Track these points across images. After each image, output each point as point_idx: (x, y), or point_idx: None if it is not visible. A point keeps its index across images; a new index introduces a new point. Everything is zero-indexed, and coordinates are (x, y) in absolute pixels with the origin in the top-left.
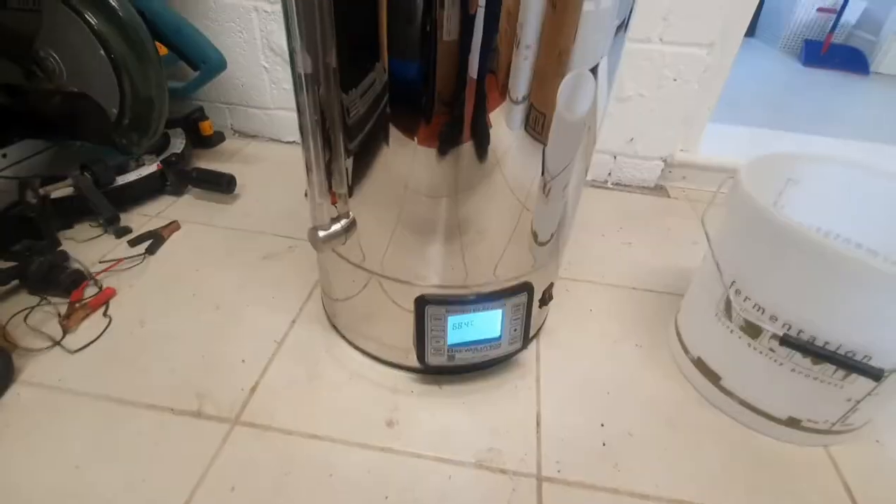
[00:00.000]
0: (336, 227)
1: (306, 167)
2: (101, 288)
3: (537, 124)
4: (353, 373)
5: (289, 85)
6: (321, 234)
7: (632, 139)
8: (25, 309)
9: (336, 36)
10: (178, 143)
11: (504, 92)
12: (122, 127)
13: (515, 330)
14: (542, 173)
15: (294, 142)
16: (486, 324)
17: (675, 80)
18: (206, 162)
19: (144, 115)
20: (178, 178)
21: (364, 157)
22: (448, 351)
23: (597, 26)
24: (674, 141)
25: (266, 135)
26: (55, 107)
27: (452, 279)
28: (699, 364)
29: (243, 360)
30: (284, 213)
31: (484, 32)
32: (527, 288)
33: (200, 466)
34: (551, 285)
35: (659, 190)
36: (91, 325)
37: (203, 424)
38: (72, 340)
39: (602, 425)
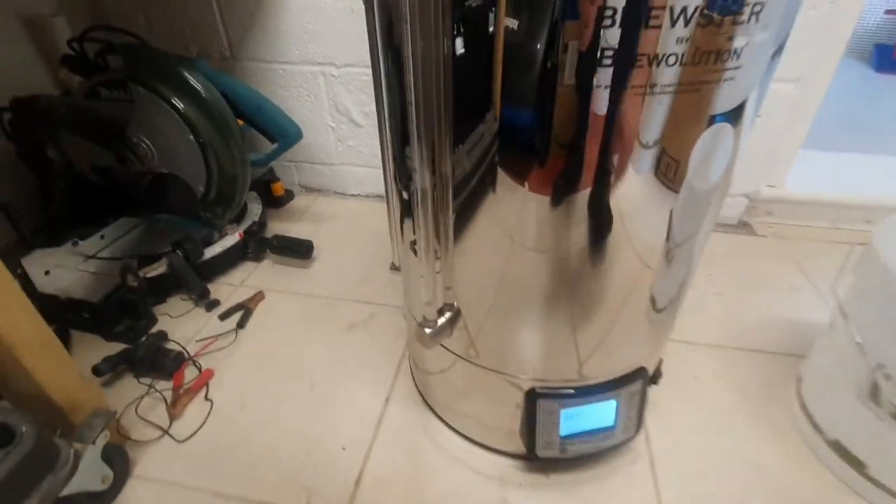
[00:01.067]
0: (442, 320)
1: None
2: (200, 369)
3: (669, 171)
4: (454, 458)
5: (353, 142)
6: (428, 331)
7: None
8: (136, 399)
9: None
10: (255, 210)
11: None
12: (208, 202)
13: (630, 417)
14: (668, 238)
15: (358, 194)
16: (601, 414)
17: (759, 116)
18: (279, 222)
19: (229, 190)
20: (258, 246)
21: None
22: (560, 444)
23: (751, 60)
24: (759, 178)
25: (331, 188)
26: (145, 186)
27: (563, 371)
28: (837, 447)
29: (343, 448)
30: (361, 277)
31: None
32: (642, 375)
33: None
34: (661, 361)
35: (743, 227)
36: (194, 410)
37: None
38: (179, 427)
39: None
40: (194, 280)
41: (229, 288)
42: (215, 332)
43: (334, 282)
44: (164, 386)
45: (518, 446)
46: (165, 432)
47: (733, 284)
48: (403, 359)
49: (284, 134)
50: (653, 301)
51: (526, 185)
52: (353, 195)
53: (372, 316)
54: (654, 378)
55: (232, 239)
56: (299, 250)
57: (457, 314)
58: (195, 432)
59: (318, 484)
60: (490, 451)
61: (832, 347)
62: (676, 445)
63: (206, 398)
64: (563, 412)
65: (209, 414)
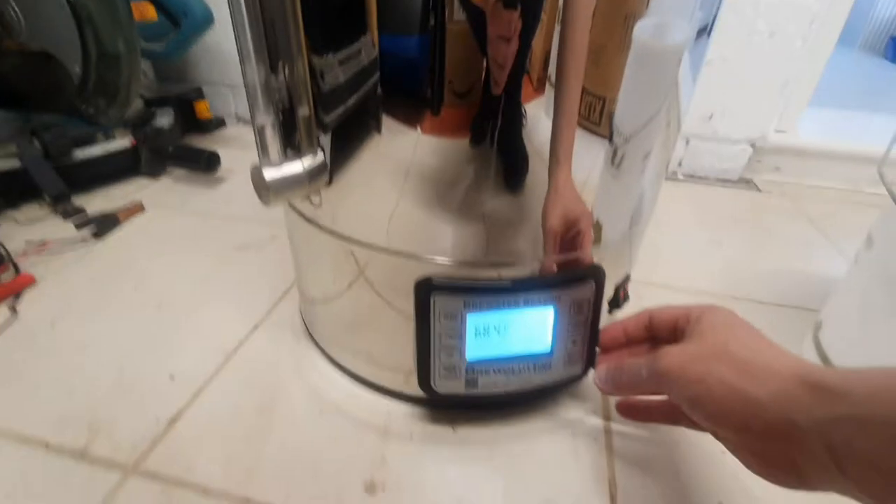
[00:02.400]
0: (294, 167)
1: (239, 57)
2: (17, 272)
3: (592, 113)
4: (327, 403)
5: None
6: (267, 173)
7: (710, 116)
8: None
9: None
10: (163, 121)
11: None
12: (87, 91)
13: (574, 342)
14: (611, 137)
15: None
16: (529, 329)
17: (771, 35)
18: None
19: (112, 76)
20: (152, 157)
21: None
22: (467, 371)
23: None
24: (767, 118)
25: None
26: (15, 70)
27: (475, 253)
28: None
29: (172, 377)
30: None
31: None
32: (595, 275)
33: None
34: (627, 279)
35: (745, 184)
36: None
37: (84, 470)
38: None
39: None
40: (50, 176)
41: (106, 201)
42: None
43: (240, 203)
44: None
45: (417, 387)
46: None
47: (734, 237)
48: (294, 286)
49: (187, 11)
50: (598, 223)
51: (418, 129)
52: None
53: (272, 238)
54: (617, 299)
55: (119, 144)
56: (198, 160)
57: (321, 167)
58: None
59: (115, 421)
60: (381, 394)
61: (858, 284)
62: None
63: (12, 308)
64: (471, 317)
65: (4, 327)
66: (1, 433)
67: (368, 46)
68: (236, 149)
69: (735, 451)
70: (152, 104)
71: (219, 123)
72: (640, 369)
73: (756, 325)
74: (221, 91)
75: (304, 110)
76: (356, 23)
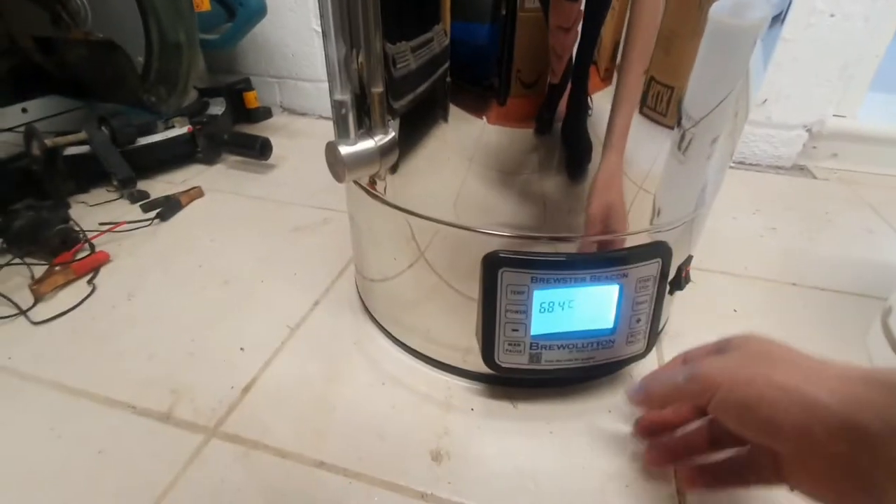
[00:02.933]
0: (367, 143)
1: (322, 34)
2: (93, 250)
3: (659, 103)
4: (388, 376)
5: None
6: (343, 149)
7: (764, 101)
8: None
9: None
10: (216, 110)
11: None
12: (149, 81)
13: (639, 321)
14: (679, 121)
15: None
16: (594, 306)
17: (832, 15)
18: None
19: (173, 66)
20: (209, 144)
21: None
22: (531, 347)
23: None
24: (825, 103)
25: (317, 112)
26: (82, 60)
27: (539, 228)
28: None
29: (242, 349)
30: (324, 185)
31: None
32: (660, 252)
33: (150, 497)
34: (689, 259)
35: (800, 171)
36: (69, 293)
37: (169, 432)
38: (42, 310)
39: None
40: (118, 161)
41: (167, 186)
42: (127, 220)
43: (291, 188)
44: (45, 265)
45: (477, 363)
46: (22, 312)
47: (790, 223)
48: (350, 265)
49: (243, 2)
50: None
51: (483, 118)
52: None
53: (325, 221)
54: (678, 280)
55: (178, 131)
56: (253, 147)
57: (392, 144)
58: (58, 315)
59: (194, 387)
60: (440, 370)
61: None
62: None
63: (90, 283)
64: (538, 293)
65: (85, 299)
66: (91, 397)
67: (440, 34)
68: (283, 137)
69: (798, 479)
70: (205, 94)
71: (266, 113)
72: (677, 375)
73: (818, 312)
74: (268, 81)
75: (378, 89)
76: (430, 11)
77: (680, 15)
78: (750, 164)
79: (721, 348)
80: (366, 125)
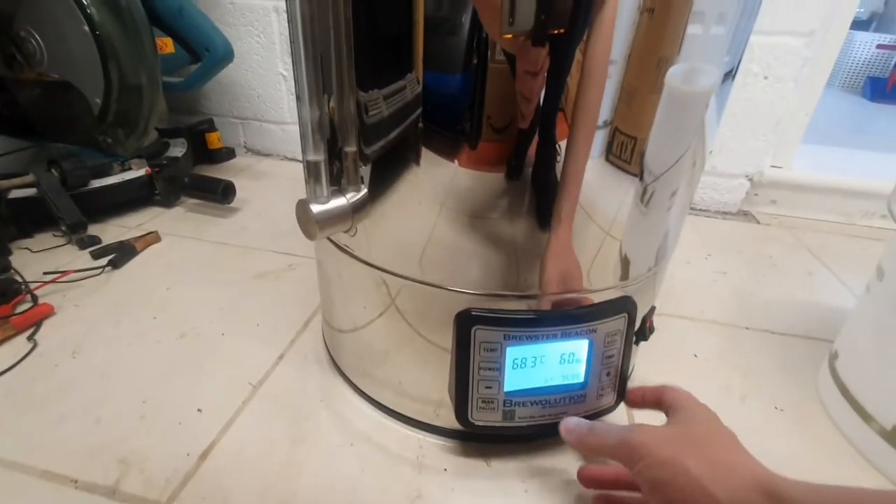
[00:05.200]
0: (339, 201)
1: (297, 97)
2: (36, 303)
3: (623, 152)
4: (358, 435)
5: None
6: (315, 208)
7: (710, 152)
8: None
9: None
10: (176, 151)
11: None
12: (107, 122)
13: (608, 374)
14: (641, 176)
15: None
16: (565, 361)
17: (765, 77)
18: (209, 174)
19: (132, 108)
20: (168, 186)
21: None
22: (505, 404)
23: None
24: (763, 154)
25: (282, 153)
26: (34, 100)
27: (507, 285)
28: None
29: (199, 410)
30: (289, 229)
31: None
32: (627, 306)
33: None
34: (653, 310)
35: (744, 216)
36: (9, 352)
37: None
38: None
39: None
40: (67, 205)
41: (121, 230)
42: (75, 269)
43: (255, 232)
44: None
45: (449, 418)
46: None
47: (738, 267)
48: (316, 314)
49: (209, 46)
50: (625, 259)
51: (455, 162)
52: None
53: (290, 267)
54: (643, 331)
55: (135, 174)
56: (215, 191)
57: (363, 200)
58: None
59: (145, 455)
60: (412, 427)
61: (878, 322)
62: None
63: (30, 339)
64: (511, 350)
65: (24, 357)
66: (27, 470)
67: (413, 83)
68: (247, 178)
69: None
70: (165, 134)
71: (229, 154)
72: (609, 435)
73: (771, 355)
74: (231, 122)
75: (351, 147)
76: (403, 61)
77: (640, 72)
78: (700, 210)
79: (669, 410)
80: (337, 182)
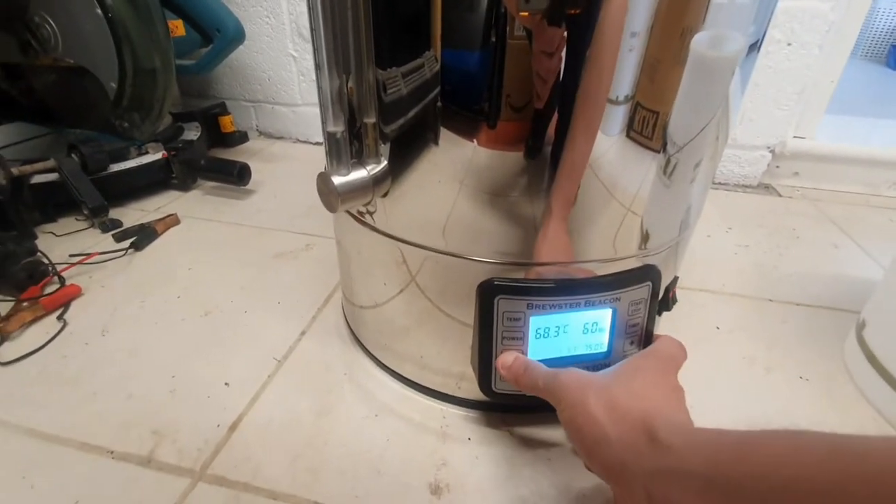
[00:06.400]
0: (360, 173)
1: (316, 67)
2: (63, 284)
3: (645, 127)
4: (382, 406)
5: None
6: (336, 180)
7: (735, 125)
8: None
9: None
10: (191, 135)
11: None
12: (122, 106)
13: (632, 343)
14: (664, 147)
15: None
16: (589, 330)
17: (789, 44)
18: (223, 156)
19: (147, 92)
20: (184, 169)
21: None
22: None
23: None
24: (785, 125)
25: (294, 136)
26: (51, 86)
27: (528, 254)
28: None
29: (227, 384)
30: (305, 210)
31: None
32: (651, 275)
33: None
34: (675, 280)
35: (765, 189)
36: (39, 330)
37: (151, 477)
38: (9, 350)
39: None
40: (89, 189)
41: (141, 213)
42: (99, 251)
43: (270, 213)
44: (12, 300)
45: (472, 390)
46: None
47: (760, 240)
48: (336, 292)
49: (220, 27)
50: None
51: (474, 141)
52: (318, 143)
53: (307, 246)
54: (666, 301)
55: (152, 157)
56: (230, 172)
57: (384, 173)
58: (27, 354)
59: (176, 427)
60: (435, 399)
61: None
62: (703, 405)
63: (60, 318)
64: (534, 319)
65: (56, 336)
66: (65, 442)
67: (431, 60)
68: (260, 161)
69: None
70: (179, 119)
71: (242, 137)
72: (540, 377)
73: (795, 326)
74: (243, 105)
75: (371, 119)
76: (421, 38)
77: (663, 44)
78: (719, 184)
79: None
80: (358, 155)
